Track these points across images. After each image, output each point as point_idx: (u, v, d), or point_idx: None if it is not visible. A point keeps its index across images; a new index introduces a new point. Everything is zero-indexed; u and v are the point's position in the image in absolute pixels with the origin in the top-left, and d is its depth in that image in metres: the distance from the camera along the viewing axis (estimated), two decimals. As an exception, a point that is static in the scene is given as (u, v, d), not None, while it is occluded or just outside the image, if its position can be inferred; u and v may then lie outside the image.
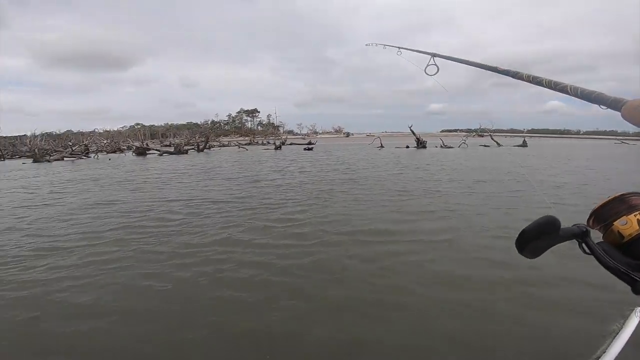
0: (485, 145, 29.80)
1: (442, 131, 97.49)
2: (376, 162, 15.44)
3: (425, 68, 1.71)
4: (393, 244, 4.26)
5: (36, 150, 27.42)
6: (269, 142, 45.75)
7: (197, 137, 38.53)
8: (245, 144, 41.16)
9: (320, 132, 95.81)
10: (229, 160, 19.81)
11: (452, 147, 27.79)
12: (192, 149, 30.64)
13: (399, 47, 2.34)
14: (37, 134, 44.89)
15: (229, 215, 5.84)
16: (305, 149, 29.20)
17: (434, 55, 1.64)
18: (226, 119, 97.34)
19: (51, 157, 26.02)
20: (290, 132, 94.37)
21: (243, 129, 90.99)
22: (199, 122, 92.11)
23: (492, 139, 33.20)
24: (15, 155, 35.88)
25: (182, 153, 27.32)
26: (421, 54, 1.78)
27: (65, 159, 26.40)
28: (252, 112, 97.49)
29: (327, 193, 7.72)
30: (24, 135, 49.68)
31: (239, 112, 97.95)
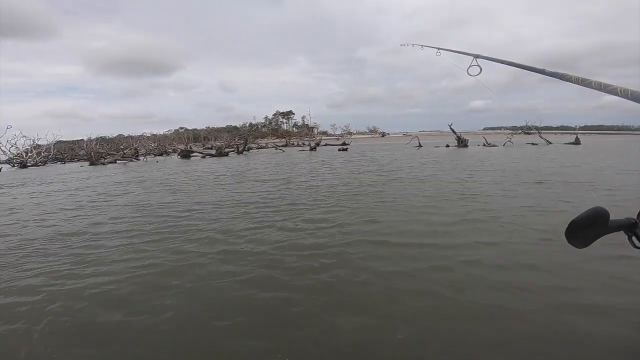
0: (533, 144, 27.80)
1: (485, 129, 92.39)
2: (412, 163, 15.08)
3: (468, 69, 1.69)
4: (416, 247, 4.11)
5: (92, 153, 30.37)
6: (304, 144, 46.44)
7: (236, 140, 40.20)
8: (282, 146, 42.22)
9: (355, 132, 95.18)
10: (264, 162, 20.48)
11: (495, 146, 26.31)
12: (232, 151, 32.06)
13: (438, 48, 2.30)
14: (92, 138, 49.47)
15: (253, 218, 5.96)
16: (339, 150, 29.28)
17: (476, 56, 1.63)
18: (263, 121, 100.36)
19: (105, 160, 28.68)
20: (324, 132, 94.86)
21: (279, 130, 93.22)
22: (237, 125, 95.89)
23: (540, 136, 30.84)
24: (74, 158, 40.07)
25: (223, 155, 28.70)
26: (461, 54, 1.79)
27: (117, 161, 28.97)
28: (287, 114, 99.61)
29: (355, 196, 7.59)
30: (81, 139, 54.94)
31: (274, 115, 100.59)
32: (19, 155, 35.59)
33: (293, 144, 50.30)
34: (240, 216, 6.14)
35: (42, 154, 38.00)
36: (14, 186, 14.31)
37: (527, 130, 39.49)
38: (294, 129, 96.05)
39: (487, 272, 3.32)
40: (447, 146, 27.48)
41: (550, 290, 2.90)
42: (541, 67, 1.06)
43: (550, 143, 27.79)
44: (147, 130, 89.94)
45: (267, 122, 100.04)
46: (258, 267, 3.73)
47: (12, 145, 35.64)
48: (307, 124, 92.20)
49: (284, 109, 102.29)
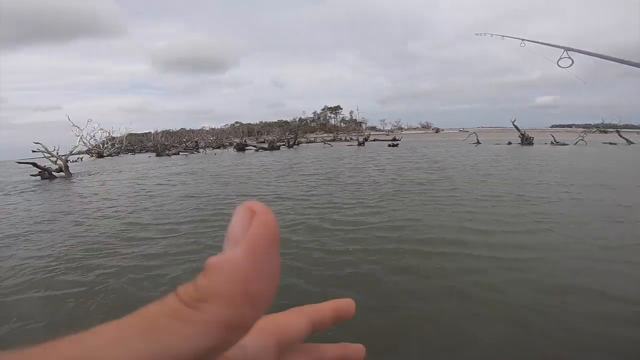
0: (611, 143, 24.25)
1: (553, 126, 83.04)
2: (467, 160, 14.06)
3: (558, 61, 1.54)
4: (458, 257, 3.56)
5: (158, 145, 33.64)
6: (351, 139, 46.16)
7: (287, 134, 41.39)
8: (330, 140, 42.46)
9: (406, 127, 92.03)
10: (311, 156, 20.72)
11: (566, 144, 23.47)
12: (283, 145, 33.12)
13: (522, 39, 2.11)
14: (158, 131, 54.57)
15: (291, 212, 5.84)
16: (389, 145, 28.53)
17: (567, 48, 1.48)
18: (312, 116, 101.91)
19: (170, 152, 31.54)
20: (373, 128, 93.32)
21: (327, 125, 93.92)
22: (288, 120, 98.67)
23: (619, 135, 26.75)
24: (142, 150, 44.82)
25: (275, 149, 29.78)
26: (547, 46, 1.62)
27: (180, 153, 31.66)
28: (335, 109, 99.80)
29: (399, 194, 7.17)
30: (149, 132, 60.91)
31: (323, 110, 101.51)
32: (97, 146, 40.85)
33: (341, 138, 50.28)
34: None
35: (116, 145, 43.14)
36: (97, 173, 16.52)
37: (603, 128, 34.66)
38: (342, 124, 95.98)
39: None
40: (509, 144, 25.24)
41: None
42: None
43: (632, 143, 23.98)
44: (208, 125, 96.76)
45: (316, 117, 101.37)
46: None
47: (91, 137, 40.88)
48: (355, 119, 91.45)
49: (332, 104, 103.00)
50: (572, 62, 1.51)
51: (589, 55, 1.32)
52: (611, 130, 31.15)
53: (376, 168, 12.50)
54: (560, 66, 1.50)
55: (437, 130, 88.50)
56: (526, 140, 24.77)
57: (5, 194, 10.92)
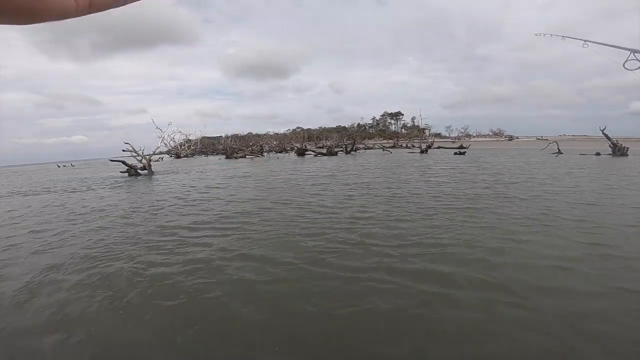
0: None
1: (653, 135, 69.05)
2: (540, 173, 12.48)
3: (625, 63, 1.40)
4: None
5: (227, 149, 36.61)
6: (413, 145, 44.51)
7: (344, 140, 41.74)
8: (390, 147, 41.57)
9: (475, 134, 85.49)
10: (364, 164, 20.53)
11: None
12: (341, 150, 33.47)
13: (584, 40, 1.91)
14: (228, 135, 59.28)
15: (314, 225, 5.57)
16: (455, 154, 26.87)
17: (634, 51, 1.34)
18: (370, 122, 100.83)
19: (237, 155, 34.11)
20: (438, 134, 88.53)
21: (387, 131, 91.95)
22: (346, 126, 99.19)
23: None
24: (214, 152, 49.21)
25: (333, 154, 30.28)
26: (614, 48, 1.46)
27: (247, 156, 34.06)
28: (396, 115, 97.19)
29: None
30: (220, 136, 66.47)
31: (382, 115, 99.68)
32: (175, 147, 46.11)
33: (401, 145, 48.83)
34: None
35: (192, 147, 48.17)
36: (176, 173, 18.72)
37: None
38: (403, 130, 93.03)
39: None
40: (598, 154, 21.81)
41: None
42: None
43: None
44: (272, 130, 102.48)
45: (375, 123, 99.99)
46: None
47: (171, 139, 46.29)
48: (417, 125, 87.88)
49: (393, 109, 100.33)
50: None
51: None
52: None
53: (425, 179, 11.87)
54: (626, 68, 1.38)
55: (511, 138, 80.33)
56: (618, 150, 21.17)
57: (112, 187, 13.11)
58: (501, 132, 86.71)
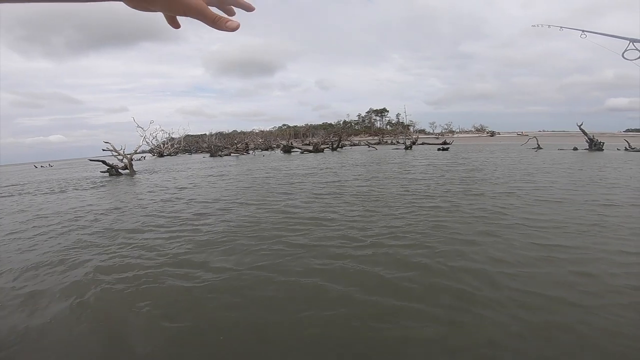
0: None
1: (627, 131, 72.53)
2: (516, 169, 12.81)
3: (624, 53, 1.36)
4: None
5: (212, 147, 35.94)
6: (398, 142, 44.95)
7: (331, 137, 41.68)
8: (375, 144, 41.81)
9: (458, 130, 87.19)
10: (347, 161, 20.53)
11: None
12: (327, 147, 33.37)
13: (582, 30, 1.89)
14: (212, 133, 58.31)
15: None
16: (439, 149, 27.24)
17: (633, 40, 1.29)
18: (356, 119, 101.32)
19: (222, 153, 33.49)
20: (422, 131, 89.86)
21: (372, 128, 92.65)
22: (332, 123, 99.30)
23: None
24: (198, 150, 48.22)
25: (319, 151, 30.15)
26: (611, 38, 1.41)
27: (231, 154, 33.48)
28: (381, 112, 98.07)
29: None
30: (204, 134, 65.34)
31: (368, 112, 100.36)
32: (158, 146, 44.95)
33: (386, 142, 49.25)
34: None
35: (175, 146, 47.07)
36: (156, 172, 18.16)
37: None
38: (388, 126, 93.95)
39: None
40: (575, 149, 22.62)
41: None
42: None
43: None
44: (257, 127, 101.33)
45: (360, 120, 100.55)
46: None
47: (153, 138, 45.06)
48: (402, 122, 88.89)
49: (378, 106, 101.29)
50: None
51: None
52: None
53: (422, 173, 11.94)
54: (626, 58, 1.33)
55: (492, 134, 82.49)
56: (595, 145, 22.04)
57: (91, 187, 12.53)
58: (483, 128, 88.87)
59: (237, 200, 7.79)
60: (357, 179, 10.69)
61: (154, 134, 45.46)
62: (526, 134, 53.15)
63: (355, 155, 25.39)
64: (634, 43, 1.33)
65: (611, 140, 25.25)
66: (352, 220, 5.49)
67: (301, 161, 20.09)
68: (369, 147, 36.19)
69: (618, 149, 21.72)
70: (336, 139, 37.43)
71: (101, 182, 14.20)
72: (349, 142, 43.17)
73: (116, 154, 17.84)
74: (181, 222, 5.89)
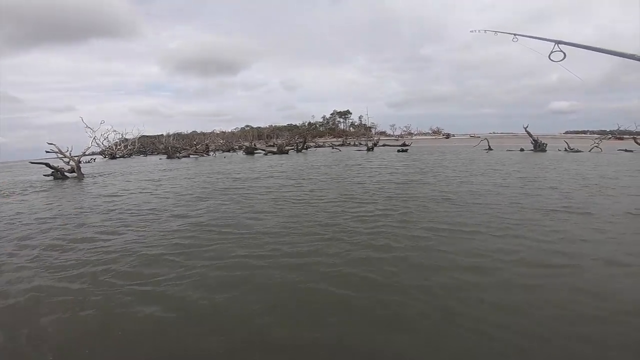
0: (626, 150, 23.56)
1: (567, 133, 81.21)
2: (472, 168, 13.86)
3: (550, 54, 1.50)
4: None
5: (169, 148, 34.17)
6: (361, 143, 46.01)
7: (296, 138, 41.57)
8: (339, 145, 42.41)
9: (416, 132, 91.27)
10: (310, 162, 20.71)
11: (580, 151, 22.90)
12: (292, 149, 33.22)
13: (514, 34, 2.09)
14: (170, 133, 55.46)
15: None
16: (398, 151, 28.33)
17: (558, 42, 1.44)
18: (321, 120, 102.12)
19: (180, 154, 31.95)
20: (383, 133, 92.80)
21: (336, 130, 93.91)
22: (297, 124, 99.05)
23: (636, 142, 25.89)
24: (154, 152, 45.52)
25: (284, 153, 29.90)
26: (542, 41, 1.58)
27: (190, 156, 32.05)
28: (345, 114, 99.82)
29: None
30: (161, 134, 61.93)
31: (332, 114, 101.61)
32: (109, 147, 41.77)
33: (350, 143, 50.18)
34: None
35: (129, 147, 44.03)
36: (107, 174, 16.87)
37: (619, 135, 33.64)
38: (351, 128, 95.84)
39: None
40: (522, 150, 24.83)
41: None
42: (630, 53, 0.89)
43: (650, 149, 23.27)
44: (218, 128, 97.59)
45: (325, 122, 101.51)
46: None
47: (104, 139, 41.80)
48: (364, 124, 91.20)
49: (343, 108, 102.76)
50: (565, 55, 1.48)
51: (580, 47, 1.29)
52: (627, 136, 30.25)
53: (372, 175, 12.36)
54: (552, 60, 1.48)
55: (448, 136, 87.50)
56: (539, 146, 24.34)
57: (19, 193, 11.25)
58: (439, 130, 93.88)
59: (165, 209, 7.32)
60: (311, 182, 10.78)
61: (105, 135, 42.09)
62: (478, 136, 57.15)
63: (319, 156, 25.57)
64: (559, 45, 1.48)
65: (553, 141, 27.98)
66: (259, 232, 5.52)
67: (262, 164, 19.75)
68: (333, 148, 36.64)
69: (559, 150, 24.12)
70: (301, 140, 37.41)
71: (42, 186, 12.85)
72: (314, 144, 43.38)
73: (62, 156, 16.40)
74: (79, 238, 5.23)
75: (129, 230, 5.60)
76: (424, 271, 3.45)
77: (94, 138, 33.36)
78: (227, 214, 6.50)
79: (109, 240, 5.08)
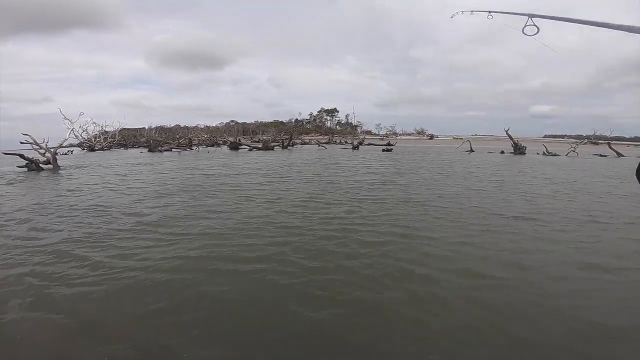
0: (601, 155, 24.67)
1: (546, 136, 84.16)
2: (454, 168, 14.12)
3: (523, 28, 1.50)
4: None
5: (151, 141, 33.27)
6: (346, 142, 46.20)
7: (282, 135, 41.29)
8: (325, 143, 42.41)
9: (401, 133, 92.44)
10: (296, 159, 20.61)
11: (557, 155, 23.79)
12: (278, 145, 32.95)
13: (489, 12, 2.10)
14: (152, 127, 53.92)
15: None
16: (383, 150, 28.59)
17: (531, 15, 1.44)
18: (308, 117, 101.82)
19: (162, 148, 31.14)
20: (369, 132, 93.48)
21: (323, 128, 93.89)
22: (284, 121, 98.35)
23: (610, 147, 27.11)
24: (135, 145, 44.16)
25: (269, 149, 29.61)
26: (518, 16, 1.58)
27: (173, 149, 31.29)
28: (332, 112, 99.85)
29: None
30: (143, 128, 60.22)
31: (319, 112, 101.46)
32: (88, 139, 40.21)
33: (336, 141, 50.30)
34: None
35: (108, 139, 42.52)
36: (85, 166, 16.21)
37: (594, 140, 35.25)
38: (337, 126, 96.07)
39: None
40: (502, 152, 25.57)
41: None
42: (604, 21, 0.86)
43: (622, 155, 24.43)
44: (203, 122, 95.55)
45: (312, 119, 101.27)
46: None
47: (83, 131, 40.21)
48: (350, 122, 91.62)
49: (330, 106, 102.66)
50: (538, 29, 1.48)
51: (553, 19, 1.29)
52: (602, 142, 31.67)
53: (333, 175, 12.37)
54: (525, 34, 1.49)
55: (432, 137, 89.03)
56: (519, 149, 25.08)
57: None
58: (423, 131, 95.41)
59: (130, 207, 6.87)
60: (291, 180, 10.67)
61: (84, 127, 40.43)
62: (461, 137, 58.43)
63: (304, 154, 25.46)
64: (532, 18, 1.49)
65: (532, 144, 28.94)
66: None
67: (244, 159, 19.44)
68: (319, 146, 36.61)
69: (537, 153, 24.96)
70: (287, 137, 37.16)
71: (12, 178, 12.16)
72: (300, 141, 43.20)
73: (37, 147, 15.82)
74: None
75: (65, 228, 5.29)
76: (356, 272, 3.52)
77: (72, 130, 32.03)
78: (180, 213, 6.17)
79: (40, 238, 4.80)
